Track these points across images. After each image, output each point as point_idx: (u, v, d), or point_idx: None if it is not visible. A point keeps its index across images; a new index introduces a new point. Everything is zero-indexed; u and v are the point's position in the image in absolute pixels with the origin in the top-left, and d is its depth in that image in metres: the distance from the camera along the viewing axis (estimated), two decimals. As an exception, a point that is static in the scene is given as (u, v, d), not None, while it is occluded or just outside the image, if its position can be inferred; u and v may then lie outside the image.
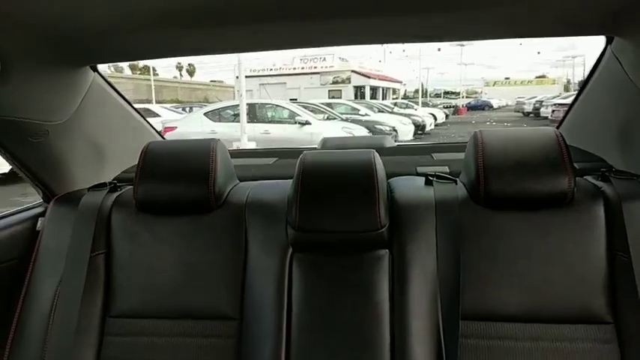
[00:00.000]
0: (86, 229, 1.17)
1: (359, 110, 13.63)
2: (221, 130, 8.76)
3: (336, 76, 29.01)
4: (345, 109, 13.64)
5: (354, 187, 1.10)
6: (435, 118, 18.21)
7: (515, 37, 1.16)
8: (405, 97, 41.35)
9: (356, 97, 26.19)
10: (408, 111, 16.93)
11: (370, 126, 10.39)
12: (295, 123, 8.94)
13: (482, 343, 1.02)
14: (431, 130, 16.09)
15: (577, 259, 1.03)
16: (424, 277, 1.07)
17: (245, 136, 8.38)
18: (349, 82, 28.70)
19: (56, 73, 1.11)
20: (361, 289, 1.07)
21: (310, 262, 1.12)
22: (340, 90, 27.77)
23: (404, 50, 50.84)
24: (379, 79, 31.75)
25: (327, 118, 10.32)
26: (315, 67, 28.74)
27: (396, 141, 1.77)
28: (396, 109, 16.77)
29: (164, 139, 1.66)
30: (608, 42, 1.16)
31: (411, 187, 1.21)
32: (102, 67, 1.31)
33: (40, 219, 1.30)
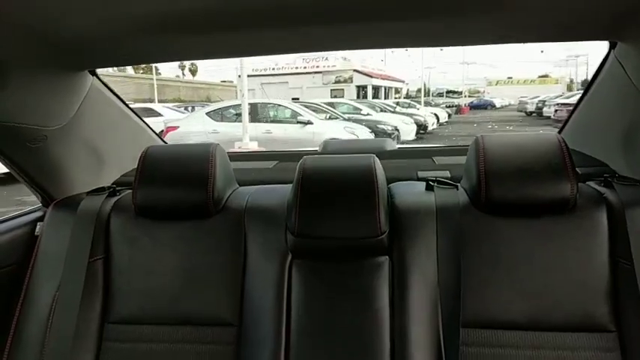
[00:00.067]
0: (85, 233, 1.16)
1: (361, 110, 13.63)
2: (223, 130, 8.77)
3: (338, 76, 28.99)
4: (348, 109, 13.64)
5: (354, 193, 1.09)
6: (438, 118, 18.20)
7: (517, 42, 1.15)
8: (407, 96, 41.28)
9: (358, 97, 26.18)
10: (410, 110, 16.93)
11: (372, 126, 10.38)
12: (297, 123, 8.94)
13: (483, 351, 1.01)
14: (433, 129, 16.06)
15: (579, 266, 1.02)
16: (424, 283, 1.06)
17: (247, 135, 8.38)
18: (351, 82, 28.68)
19: (55, 77, 1.10)
20: (361, 295, 1.06)
21: (310, 268, 1.11)
22: (342, 89, 27.77)
23: (406, 49, 50.79)
24: (381, 79, 31.72)
25: (329, 118, 10.32)
26: (318, 67, 28.72)
27: (398, 140, 1.76)
28: (398, 109, 16.76)
29: (164, 142, 1.66)
30: (612, 47, 1.15)
31: (411, 193, 1.20)
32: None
33: (38, 224, 1.29)
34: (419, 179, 1.35)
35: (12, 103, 1.02)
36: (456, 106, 32.54)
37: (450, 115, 23.38)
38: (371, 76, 29.53)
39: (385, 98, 29.63)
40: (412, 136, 12.44)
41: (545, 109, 19.49)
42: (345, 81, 28.83)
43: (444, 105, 29.17)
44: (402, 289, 1.06)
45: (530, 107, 23.41)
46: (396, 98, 31.51)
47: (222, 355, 1.08)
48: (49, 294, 1.14)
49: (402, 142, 10.22)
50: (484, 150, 1.07)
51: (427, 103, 28.85)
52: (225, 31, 1.01)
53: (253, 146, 8.14)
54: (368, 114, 13.05)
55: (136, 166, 1.17)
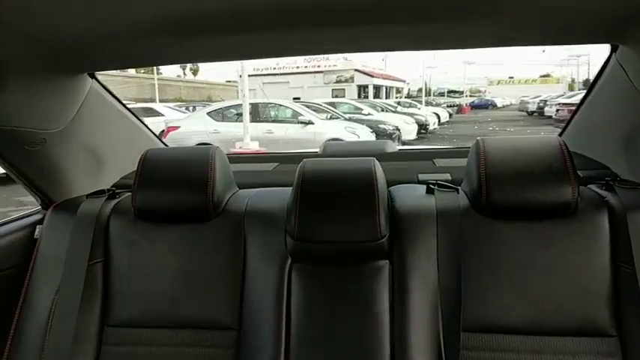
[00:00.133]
0: (84, 236, 1.16)
1: (362, 109, 13.61)
2: (224, 130, 8.77)
3: (339, 75, 28.95)
4: (349, 109, 13.63)
5: (355, 196, 1.09)
6: (439, 118, 18.19)
7: (518, 45, 1.14)
8: (408, 95, 41.23)
9: (359, 96, 26.14)
10: (411, 110, 16.91)
11: (373, 125, 10.37)
12: (298, 122, 8.94)
13: (484, 355, 1.01)
14: (434, 129, 16.05)
15: (580, 270, 1.01)
16: (425, 287, 1.06)
17: (248, 135, 8.38)
18: (352, 81, 28.64)
19: (54, 80, 1.10)
20: (361, 299, 1.06)
21: (310, 272, 1.10)
22: (343, 89, 27.73)
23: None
24: (382, 78, 31.67)
25: (330, 118, 10.31)
26: (319, 66, 28.67)
27: (399, 140, 1.76)
28: (399, 109, 16.75)
29: (164, 144, 1.65)
30: (613, 50, 1.14)
31: (412, 196, 1.20)
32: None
33: (38, 226, 1.29)
34: (419, 182, 1.34)
35: (11, 107, 1.02)
36: (457, 105, 32.47)
37: (451, 115, 23.35)
38: (372, 76, 29.49)
39: (386, 98, 29.58)
40: (413, 135, 12.44)
41: (546, 108, 19.44)
42: (346, 81, 28.79)
43: (445, 105, 29.12)
44: (402, 293, 1.06)
45: (532, 107, 23.34)
46: (397, 98, 31.49)
47: (221, 358, 1.08)
48: (49, 297, 1.14)
49: (404, 142, 10.23)
50: (485, 153, 1.07)
51: (428, 103, 28.84)
52: (225, 35, 1.00)
53: (254, 146, 8.14)
54: (369, 114, 13.03)
55: (135, 169, 1.17)
